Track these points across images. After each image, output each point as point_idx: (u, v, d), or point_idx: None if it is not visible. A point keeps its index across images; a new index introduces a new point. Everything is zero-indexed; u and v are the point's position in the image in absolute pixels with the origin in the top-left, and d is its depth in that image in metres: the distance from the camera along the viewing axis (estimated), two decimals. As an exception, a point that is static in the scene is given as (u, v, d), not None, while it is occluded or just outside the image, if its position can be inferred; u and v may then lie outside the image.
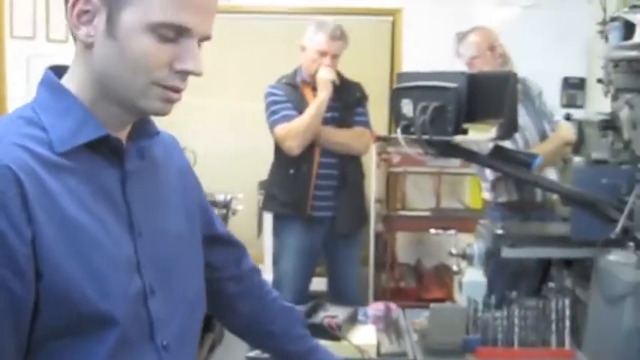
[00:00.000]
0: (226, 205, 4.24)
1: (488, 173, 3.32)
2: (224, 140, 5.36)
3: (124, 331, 1.06)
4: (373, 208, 4.64)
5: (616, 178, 2.27)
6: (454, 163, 4.60)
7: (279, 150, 3.58)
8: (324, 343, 1.86)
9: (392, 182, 5.06)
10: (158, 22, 1.04)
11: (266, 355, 1.81)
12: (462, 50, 3.41)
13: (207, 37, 1.11)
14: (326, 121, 3.48)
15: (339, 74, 3.56)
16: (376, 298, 4.45)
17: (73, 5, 1.06)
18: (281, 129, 3.46)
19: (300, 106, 3.48)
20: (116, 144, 1.12)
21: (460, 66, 3.48)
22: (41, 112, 1.09)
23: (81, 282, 1.02)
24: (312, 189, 3.49)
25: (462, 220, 4.47)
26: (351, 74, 3.64)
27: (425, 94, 2.19)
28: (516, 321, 1.85)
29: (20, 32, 3.89)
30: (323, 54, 3.44)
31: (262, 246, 4.62)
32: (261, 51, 5.19)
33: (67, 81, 1.12)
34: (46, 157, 1.04)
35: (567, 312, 1.85)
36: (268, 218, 4.47)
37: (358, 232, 3.77)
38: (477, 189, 5.10)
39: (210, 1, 1.09)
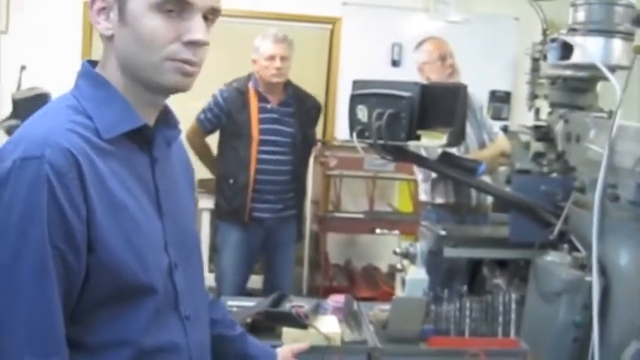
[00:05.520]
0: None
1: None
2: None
3: (159, 300, 1.20)
4: (309, 209, 4.78)
5: (552, 186, 2.47)
6: (388, 168, 4.78)
7: (219, 160, 3.77)
8: (292, 330, 1.99)
9: (327, 184, 5.20)
10: (160, 0, 1.14)
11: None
12: (415, 55, 3.63)
13: (213, 10, 1.20)
14: (287, 135, 3.68)
15: (295, 86, 3.74)
16: (310, 296, 4.58)
17: (92, 4, 1.19)
18: (191, 125, 3.73)
19: (239, 113, 3.64)
20: (149, 134, 1.24)
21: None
22: (84, 102, 1.19)
23: (125, 257, 1.14)
24: (250, 200, 3.65)
25: (392, 223, 4.68)
26: (290, 78, 3.78)
27: (380, 102, 2.31)
28: (467, 313, 2.02)
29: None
30: (272, 58, 3.60)
31: (198, 243, 4.70)
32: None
33: (102, 72, 1.23)
34: (95, 142, 1.15)
35: (513, 306, 2.03)
36: (206, 216, 4.56)
37: (295, 233, 3.95)
38: (406, 193, 5.32)
39: None
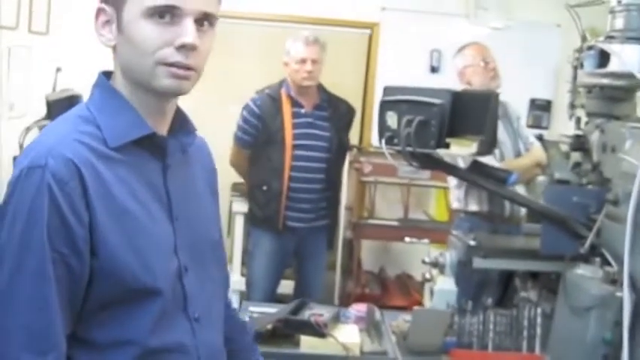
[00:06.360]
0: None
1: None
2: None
3: (166, 302, 1.23)
4: (343, 215, 4.75)
5: (586, 197, 2.39)
6: (423, 175, 4.72)
7: (252, 168, 3.75)
8: (310, 339, 1.97)
9: (362, 191, 5.16)
10: (150, 7, 1.19)
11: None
12: (456, 60, 3.60)
13: (204, 15, 1.22)
14: (322, 139, 3.64)
15: (327, 91, 3.70)
16: (341, 303, 4.55)
17: (96, 18, 1.25)
18: (231, 150, 3.80)
19: (272, 120, 3.61)
20: (160, 141, 1.28)
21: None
22: (96, 112, 1.26)
23: (129, 260, 1.19)
24: (283, 207, 3.62)
25: (427, 231, 4.62)
26: (326, 83, 3.77)
27: (410, 108, 2.28)
28: (491, 326, 1.96)
29: (3, 22, 3.88)
30: (303, 61, 3.57)
31: (232, 246, 4.69)
32: (236, 57, 5.23)
33: (113, 83, 1.29)
34: (101, 151, 1.21)
35: (539, 320, 1.97)
36: (240, 220, 4.56)
37: (328, 241, 3.92)
38: (443, 202, 5.25)
39: None
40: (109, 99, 1.27)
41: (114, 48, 1.26)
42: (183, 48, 1.20)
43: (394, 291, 4.99)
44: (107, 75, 1.31)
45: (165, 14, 1.19)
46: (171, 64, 1.20)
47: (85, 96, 1.38)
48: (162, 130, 1.31)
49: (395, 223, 4.99)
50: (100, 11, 1.25)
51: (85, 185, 1.15)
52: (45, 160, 1.14)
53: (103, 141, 1.21)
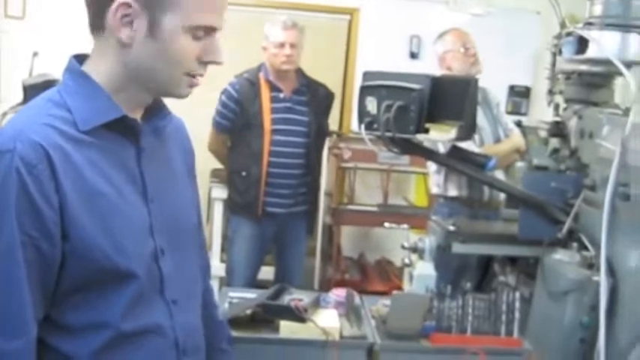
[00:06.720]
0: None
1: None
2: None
3: (141, 284, 1.23)
4: (322, 201, 4.75)
5: (563, 182, 2.42)
6: (403, 161, 4.73)
7: (231, 153, 3.74)
8: (290, 324, 1.97)
9: (341, 176, 5.17)
10: (194, 25, 1.23)
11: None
12: (436, 46, 3.59)
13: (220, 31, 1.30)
14: (301, 123, 3.62)
15: (306, 75, 3.69)
16: (321, 289, 4.56)
17: (116, 10, 1.21)
18: (209, 135, 3.79)
19: (250, 104, 3.59)
20: (132, 124, 1.28)
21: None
22: (67, 96, 1.25)
23: (101, 242, 1.19)
24: (263, 193, 3.61)
25: (406, 217, 4.63)
26: (306, 69, 3.75)
27: (390, 94, 2.28)
28: (470, 310, 1.98)
29: (-21, 7, 3.84)
30: (281, 45, 3.56)
31: (211, 233, 4.68)
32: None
33: (89, 69, 1.27)
34: (71, 134, 1.20)
35: (517, 304, 1.99)
36: (219, 206, 4.54)
37: (307, 226, 3.91)
38: (422, 187, 5.26)
39: (225, 1, 1.31)
40: (80, 83, 1.26)
41: (126, 44, 1.23)
42: (209, 63, 1.27)
43: (374, 276, 5.00)
44: (80, 58, 1.29)
45: (202, 31, 1.24)
46: (193, 75, 1.26)
47: (63, 81, 1.36)
48: (136, 115, 1.31)
49: (374, 209, 5.00)
50: (121, 4, 1.21)
51: (53, 168, 1.15)
52: (13, 144, 1.14)
53: (73, 124, 1.21)
